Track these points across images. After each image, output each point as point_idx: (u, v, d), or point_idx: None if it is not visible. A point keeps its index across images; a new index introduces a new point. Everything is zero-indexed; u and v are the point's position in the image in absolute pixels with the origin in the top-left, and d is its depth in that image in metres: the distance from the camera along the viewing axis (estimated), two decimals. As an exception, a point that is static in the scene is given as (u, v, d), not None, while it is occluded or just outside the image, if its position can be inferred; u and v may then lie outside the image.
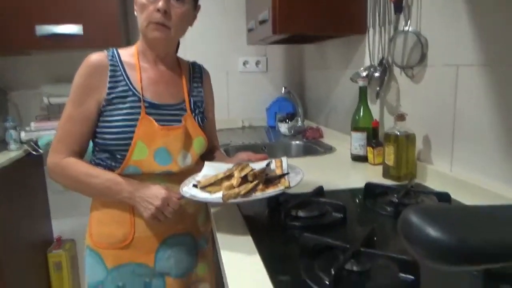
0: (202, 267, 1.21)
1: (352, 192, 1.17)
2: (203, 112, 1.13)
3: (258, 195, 0.85)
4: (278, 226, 0.91)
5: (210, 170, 1.02)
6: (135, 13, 1.04)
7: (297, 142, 2.10)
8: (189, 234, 1.14)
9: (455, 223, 0.41)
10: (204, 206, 1.18)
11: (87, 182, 0.99)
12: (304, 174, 0.94)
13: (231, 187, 0.87)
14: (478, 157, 1.09)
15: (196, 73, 1.18)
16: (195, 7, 1.08)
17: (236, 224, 0.93)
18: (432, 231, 0.39)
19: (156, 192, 0.98)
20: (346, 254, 0.68)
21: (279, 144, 2.08)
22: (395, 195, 1.03)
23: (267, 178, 0.91)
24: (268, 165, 0.99)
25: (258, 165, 0.98)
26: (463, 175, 1.14)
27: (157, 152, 1.01)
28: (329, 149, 1.83)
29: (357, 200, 1.09)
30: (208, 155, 1.23)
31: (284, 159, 1.02)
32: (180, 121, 1.05)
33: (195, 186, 0.96)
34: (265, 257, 0.75)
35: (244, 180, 0.89)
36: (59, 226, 2.54)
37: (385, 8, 1.51)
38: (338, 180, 1.32)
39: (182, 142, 1.04)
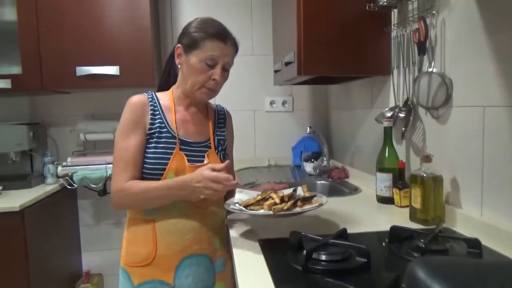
0: (220, 286, 1.27)
1: (377, 235, 1.15)
2: (225, 150, 1.30)
3: (298, 210, 1.09)
4: (298, 268, 0.91)
5: (242, 195, 1.22)
6: (179, 67, 1.21)
7: (323, 181, 2.10)
8: (206, 256, 1.24)
9: (466, 283, 0.36)
10: (220, 231, 1.29)
11: (151, 195, 1.13)
12: (327, 199, 1.19)
13: (274, 204, 1.09)
14: (510, 202, 1.05)
15: (220, 116, 1.36)
16: None
17: (255, 258, 1.00)
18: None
19: (198, 176, 1.10)
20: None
21: (304, 183, 2.06)
22: (422, 240, 1.01)
23: (303, 198, 1.14)
24: (294, 190, 1.21)
25: (285, 191, 1.20)
26: (495, 221, 1.09)
27: None
28: (354, 190, 1.81)
29: (383, 244, 1.08)
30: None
31: (299, 187, 1.24)
32: (204, 156, 1.23)
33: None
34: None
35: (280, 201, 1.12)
36: (88, 259, 2.59)
37: (409, 50, 1.52)
38: (363, 222, 1.30)
39: None
